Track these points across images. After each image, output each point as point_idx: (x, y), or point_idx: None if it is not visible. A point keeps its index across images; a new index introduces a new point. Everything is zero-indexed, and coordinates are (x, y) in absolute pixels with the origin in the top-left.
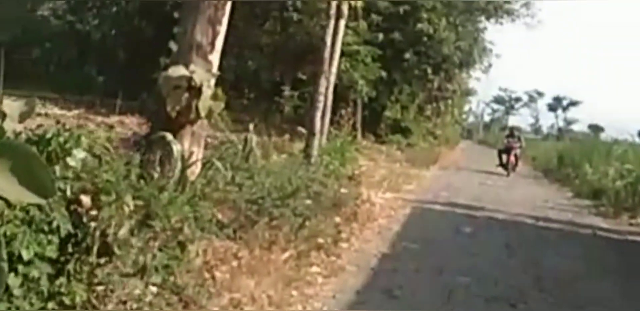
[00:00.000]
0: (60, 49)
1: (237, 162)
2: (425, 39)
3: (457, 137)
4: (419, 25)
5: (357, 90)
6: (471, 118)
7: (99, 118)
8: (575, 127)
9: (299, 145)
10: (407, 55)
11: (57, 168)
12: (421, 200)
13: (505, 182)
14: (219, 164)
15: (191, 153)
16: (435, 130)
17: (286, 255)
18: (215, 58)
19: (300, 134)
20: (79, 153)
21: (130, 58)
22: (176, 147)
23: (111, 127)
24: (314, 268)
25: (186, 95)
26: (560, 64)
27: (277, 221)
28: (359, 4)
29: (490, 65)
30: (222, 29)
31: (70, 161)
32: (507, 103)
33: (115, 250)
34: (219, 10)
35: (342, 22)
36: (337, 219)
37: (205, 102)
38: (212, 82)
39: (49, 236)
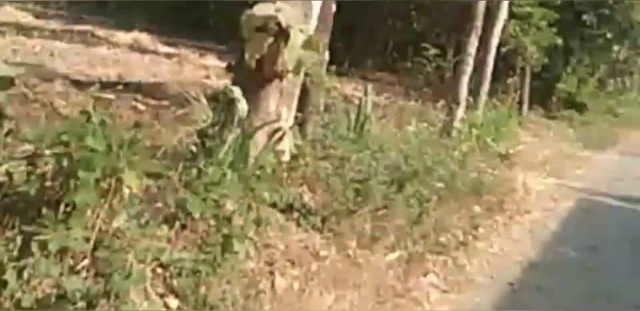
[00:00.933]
0: None
1: (344, 131)
2: (611, 1)
3: None
4: None
5: (526, 57)
6: None
7: None
8: None
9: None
10: (587, 17)
11: None
12: (591, 190)
13: None
14: (289, 133)
15: (278, 116)
16: (616, 108)
17: (393, 256)
18: None
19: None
20: None
21: None
22: (240, 106)
23: None
24: (430, 278)
25: (270, 40)
26: None
27: (387, 210)
28: None
29: None
30: None
31: None
32: None
33: (8, 276)
34: None
35: None
36: (477, 209)
37: (293, 51)
38: (311, 27)
39: None
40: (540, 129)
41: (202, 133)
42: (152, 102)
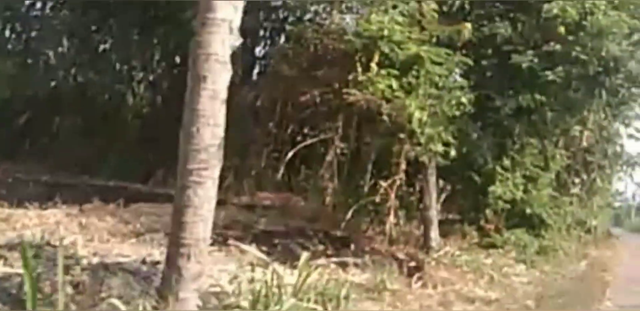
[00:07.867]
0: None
1: None
2: (561, 29)
3: (608, 226)
4: (547, 7)
5: (415, 136)
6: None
7: None
8: None
9: None
10: (521, 59)
11: None
12: None
13: None
14: None
15: None
16: (588, 219)
17: None
18: None
19: None
20: None
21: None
22: None
23: None
24: None
25: None
26: None
27: None
28: None
29: None
30: None
31: None
32: None
33: None
34: None
35: None
36: None
37: None
38: None
39: None
40: (462, 278)
41: None
42: None
